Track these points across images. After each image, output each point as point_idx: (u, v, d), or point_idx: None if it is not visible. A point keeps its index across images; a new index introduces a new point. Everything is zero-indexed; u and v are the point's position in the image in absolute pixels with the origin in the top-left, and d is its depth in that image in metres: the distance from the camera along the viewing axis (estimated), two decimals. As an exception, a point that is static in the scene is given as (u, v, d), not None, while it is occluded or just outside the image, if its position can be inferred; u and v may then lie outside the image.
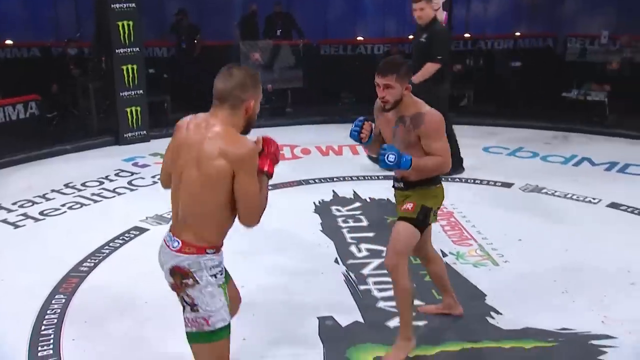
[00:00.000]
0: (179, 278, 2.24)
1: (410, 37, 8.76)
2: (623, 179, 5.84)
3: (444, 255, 4.21)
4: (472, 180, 5.77)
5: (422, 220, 2.99)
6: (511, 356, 3.12)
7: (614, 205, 5.07)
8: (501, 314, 3.47)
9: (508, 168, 6.17)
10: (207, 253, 2.24)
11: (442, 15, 7.55)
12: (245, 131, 2.29)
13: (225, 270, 2.39)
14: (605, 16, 9.87)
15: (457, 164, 5.79)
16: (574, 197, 5.25)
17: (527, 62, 9.22)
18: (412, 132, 2.90)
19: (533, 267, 4.02)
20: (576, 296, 3.66)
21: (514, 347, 3.17)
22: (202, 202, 2.20)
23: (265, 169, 2.28)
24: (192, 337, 2.29)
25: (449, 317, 3.44)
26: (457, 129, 6.39)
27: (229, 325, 2.29)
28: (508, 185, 5.63)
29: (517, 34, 10.58)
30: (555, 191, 5.38)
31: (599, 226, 4.72)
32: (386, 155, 2.83)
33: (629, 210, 4.98)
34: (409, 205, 2.98)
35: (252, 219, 2.25)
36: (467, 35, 10.34)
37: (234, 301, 2.51)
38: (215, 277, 2.25)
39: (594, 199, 5.21)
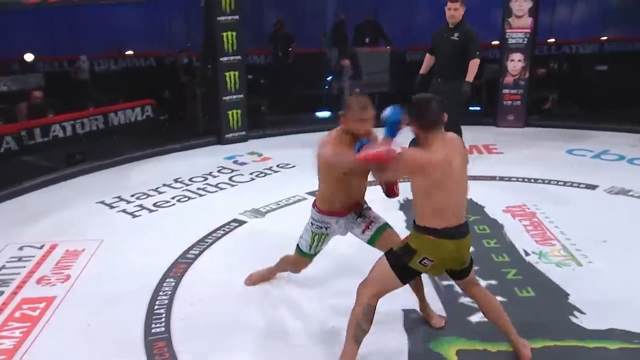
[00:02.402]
0: None
1: (496, 42, 8.51)
2: None
3: (527, 254, 4.06)
4: (556, 182, 5.51)
5: (400, 257, 2.71)
6: (596, 356, 2.95)
7: None
8: (584, 313, 3.30)
9: (592, 170, 5.85)
10: (313, 208, 3.20)
11: (528, 21, 7.29)
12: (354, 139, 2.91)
13: (384, 224, 3.15)
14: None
15: None
16: (662, 200, 4.91)
17: (614, 66, 8.70)
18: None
19: (619, 268, 3.79)
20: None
21: (598, 347, 3.00)
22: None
23: (358, 156, 2.75)
24: None
25: (533, 314, 3.31)
26: (540, 132, 6.18)
27: (305, 253, 3.32)
28: (592, 187, 5.33)
29: (604, 38, 10.00)
30: None
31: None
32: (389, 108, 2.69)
33: None
34: (401, 239, 2.91)
35: (333, 163, 2.94)
36: (551, 40, 9.90)
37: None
38: (312, 224, 3.21)
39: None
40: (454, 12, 5.56)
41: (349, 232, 3.22)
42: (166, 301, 3.57)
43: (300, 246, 3.32)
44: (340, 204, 3.09)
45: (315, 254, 3.33)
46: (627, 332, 3.10)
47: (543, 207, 4.84)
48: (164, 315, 3.42)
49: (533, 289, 3.60)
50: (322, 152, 2.93)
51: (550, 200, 5.03)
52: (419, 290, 3.24)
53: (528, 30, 7.27)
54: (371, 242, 3.17)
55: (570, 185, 5.42)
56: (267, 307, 3.49)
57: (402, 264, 2.71)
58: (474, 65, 5.49)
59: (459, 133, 5.81)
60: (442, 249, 2.67)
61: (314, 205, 3.19)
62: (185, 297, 3.62)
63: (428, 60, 5.94)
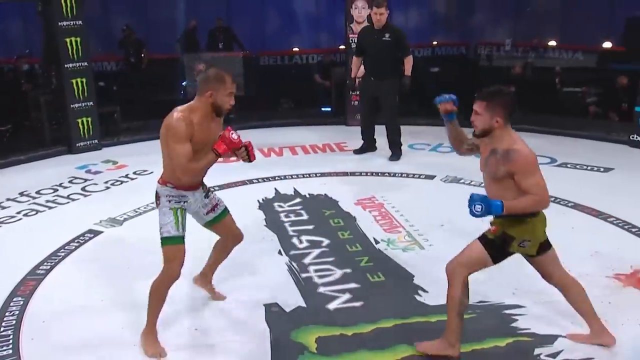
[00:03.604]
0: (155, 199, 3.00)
1: (342, 47, 8.85)
2: (528, 168, 6.07)
3: (377, 242, 4.27)
4: (400, 174, 5.87)
5: (498, 245, 2.74)
6: (437, 328, 3.17)
7: (521, 191, 5.26)
8: (427, 291, 3.55)
9: (430, 162, 6.31)
10: (165, 186, 2.94)
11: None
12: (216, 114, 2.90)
13: (225, 209, 3.17)
14: (507, 26, 10.26)
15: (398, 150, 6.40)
16: (488, 185, 5.42)
17: (444, 68, 9.46)
18: (501, 166, 2.67)
19: (455, 248, 4.00)
20: (491, 272, 3.71)
21: (440, 320, 3.24)
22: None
23: (216, 147, 2.81)
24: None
25: (383, 297, 3.48)
26: (385, 130, 6.54)
27: (174, 238, 2.91)
28: (431, 177, 5.75)
29: (435, 43, 10.83)
30: (472, 181, 5.53)
31: (509, 210, 4.89)
32: (473, 206, 2.63)
33: (534, 195, 5.18)
34: (492, 227, 2.79)
35: (179, 173, 2.84)
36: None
37: (228, 235, 3.26)
38: (169, 202, 2.93)
39: (504, 186, 5.39)
40: (380, 17, 5.98)
41: (194, 212, 3.09)
42: (14, 321, 3.27)
43: (167, 235, 2.91)
44: (191, 179, 2.93)
45: (183, 236, 2.96)
46: (463, 304, 3.39)
47: (389, 198, 5.13)
48: (11, 336, 3.12)
49: (383, 273, 3.81)
50: (176, 155, 2.79)
51: (396, 192, 5.35)
52: (216, 262, 3.40)
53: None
54: (212, 222, 3.16)
55: (413, 177, 5.81)
56: (124, 319, 3.32)
57: (502, 251, 2.74)
58: (409, 61, 6.04)
59: (397, 127, 6.29)
60: (539, 225, 2.73)
61: (164, 183, 2.94)
62: (36, 315, 3.34)
63: (357, 62, 6.32)
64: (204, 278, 3.46)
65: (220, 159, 2.88)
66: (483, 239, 2.80)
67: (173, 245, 2.91)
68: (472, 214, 2.65)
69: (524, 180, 2.63)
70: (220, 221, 3.17)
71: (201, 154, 2.84)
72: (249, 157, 2.94)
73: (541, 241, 2.79)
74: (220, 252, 3.37)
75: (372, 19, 6.16)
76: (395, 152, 6.40)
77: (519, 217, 2.69)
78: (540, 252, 2.82)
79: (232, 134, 2.82)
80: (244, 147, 2.89)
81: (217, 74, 2.86)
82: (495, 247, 2.75)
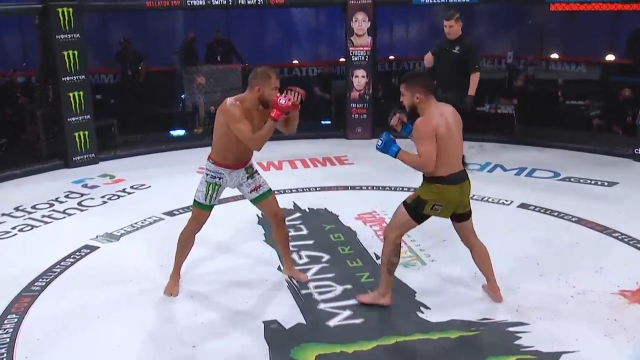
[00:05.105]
0: None
1: (342, 59, 8.90)
2: (530, 182, 6.08)
3: (377, 257, 4.26)
4: (401, 189, 5.87)
5: (414, 208, 3.32)
6: (439, 345, 3.19)
7: (523, 206, 5.27)
8: (429, 308, 3.55)
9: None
10: (208, 161, 3.55)
11: (367, 40, 7.73)
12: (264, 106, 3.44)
13: (267, 191, 3.72)
14: (509, 38, 10.31)
15: None
16: (490, 199, 5.43)
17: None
18: (413, 134, 3.29)
19: (456, 264, 4.12)
20: (494, 289, 3.78)
21: (441, 338, 3.25)
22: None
23: (272, 115, 3.33)
24: None
25: (384, 313, 3.48)
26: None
27: (200, 204, 3.57)
28: (432, 191, 5.75)
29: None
30: (473, 195, 5.42)
31: (512, 224, 4.89)
32: (378, 140, 3.31)
33: (536, 209, 5.19)
34: (412, 193, 3.40)
35: (250, 146, 3.46)
36: (391, 57, 10.55)
37: (269, 213, 3.79)
38: (207, 175, 3.55)
39: (506, 200, 5.40)
40: (449, 29, 5.92)
41: (237, 187, 3.66)
42: (7, 339, 3.26)
43: (197, 199, 3.58)
44: (232, 159, 3.51)
45: (210, 206, 3.58)
46: (465, 322, 3.39)
47: (390, 213, 5.05)
48: (4, 355, 3.12)
49: (384, 289, 3.80)
50: (241, 132, 3.33)
51: (397, 206, 5.33)
52: (282, 249, 3.93)
53: (368, 48, 7.71)
54: (255, 201, 3.72)
55: (414, 191, 5.79)
56: (121, 336, 3.32)
57: (418, 212, 3.31)
58: (475, 78, 5.82)
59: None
60: (450, 194, 3.27)
61: (209, 158, 3.54)
62: (31, 333, 3.34)
63: (429, 56, 6.13)
64: (288, 268, 3.96)
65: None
66: (405, 204, 3.37)
67: (198, 208, 3.59)
68: (376, 146, 3.33)
69: (418, 145, 3.22)
70: (262, 200, 3.70)
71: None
72: (300, 96, 3.43)
73: (453, 209, 3.35)
74: (277, 240, 3.91)
75: None
76: None
77: (428, 184, 3.28)
78: (460, 220, 3.46)
79: (280, 99, 3.31)
80: (289, 91, 3.38)
81: (263, 72, 3.39)
82: (413, 209, 3.33)
